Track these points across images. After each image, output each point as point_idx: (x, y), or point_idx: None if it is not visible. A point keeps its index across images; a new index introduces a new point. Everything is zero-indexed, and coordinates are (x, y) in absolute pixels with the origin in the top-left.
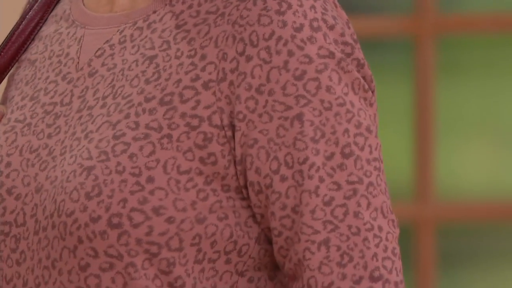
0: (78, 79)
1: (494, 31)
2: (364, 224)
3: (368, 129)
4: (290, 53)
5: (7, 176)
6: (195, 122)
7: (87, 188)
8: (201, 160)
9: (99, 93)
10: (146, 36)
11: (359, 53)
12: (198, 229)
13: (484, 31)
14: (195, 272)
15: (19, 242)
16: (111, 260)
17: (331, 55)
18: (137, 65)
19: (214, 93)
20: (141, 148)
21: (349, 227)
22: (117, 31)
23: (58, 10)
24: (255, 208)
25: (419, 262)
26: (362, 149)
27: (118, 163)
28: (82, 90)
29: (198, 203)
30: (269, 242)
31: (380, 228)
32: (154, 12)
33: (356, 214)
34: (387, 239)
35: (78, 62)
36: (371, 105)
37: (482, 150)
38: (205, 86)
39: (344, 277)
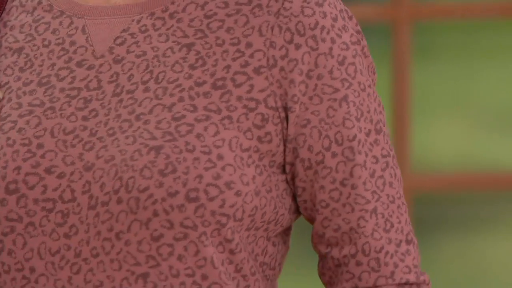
0: (101, 65)
1: (465, 18)
2: (396, 193)
3: (383, 107)
4: (333, 41)
5: (42, 156)
6: (252, 104)
7: (160, 166)
8: (259, 139)
9: (135, 78)
10: (172, 26)
11: (365, 41)
12: (255, 201)
13: (456, 18)
14: (243, 238)
15: (67, 217)
16: (186, 231)
17: (358, 42)
18: (173, 52)
19: (266, 78)
20: (205, 128)
21: (387, 196)
22: (133, 21)
23: None
24: (299, 182)
25: None
26: (384, 125)
27: (187, 143)
28: (112, 76)
29: (256, 178)
30: (296, 212)
31: (403, 196)
32: (173, 3)
33: (390, 184)
34: (406, 205)
35: (94, 50)
36: (375, 84)
37: (453, 127)
38: (257, 71)
39: (390, 241)
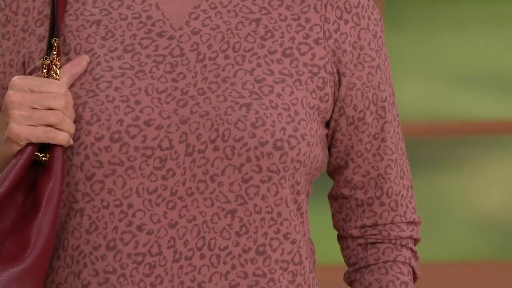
0: (181, 36)
1: None
2: (404, 146)
3: None
4: (369, 18)
5: (141, 111)
6: (315, 69)
7: (251, 120)
8: (320, 98)
9: (214, 47)
10: (238, 4)
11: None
12: (316, 151)
13: None
14: (303, 182)
15: (165, 161)
16: (271, 174)
17: (380, 18)
18: (244, 26)
19: (324, 48)
20: (283, 89)
21: (401, 149)
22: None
23: None
24: (340, 135)
25: None
26: (394, 88)
27: (271, 101)
28: (192, 45)
29: (317, 131)
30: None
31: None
32: None
33: (402, 139)
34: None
35: (172, 23)
36: None
37: (419, 83)
38: (316, 42)
39: (404, 186)
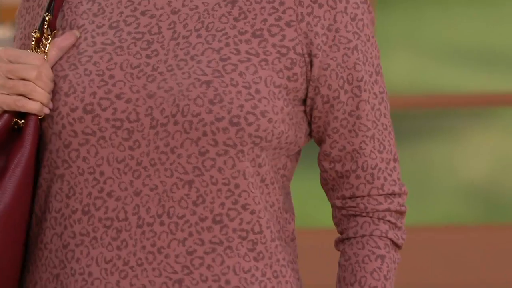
0: (161, 15)
1: None
2: (388, 121)
3: (379, 51)
4: (347, 1)
5: (113, 85)
6: (284, 50)
7: (210, 96)
8: (288, 78)
9: (189, 27)
10: None
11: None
12: (282, 127)
13: None
14: (270, 155)
15: (132, 133)
16: (226, 148)
17: (365, 1)
18: (220, 7)
19: (295, 30)
20: (246, 68)
21: (382, 124)
22: None
23: None
24: (317, 113)
25: None
26: (381, 67)
27: (232, 79)
28: (170, 24)
29: (284, 109)
30: (309, 135)
31: (391, 124)
32: None
33: (384, 115)
34: (393, 131)
35: (155, 3)
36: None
37: (406, 58)
38: (288, 24)
39: (382, 160)
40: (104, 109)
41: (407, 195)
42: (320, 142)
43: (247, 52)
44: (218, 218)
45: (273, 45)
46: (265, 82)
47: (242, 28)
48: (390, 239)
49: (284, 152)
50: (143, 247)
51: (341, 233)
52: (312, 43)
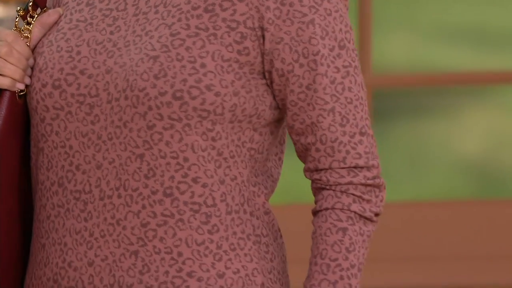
0: None
1: None
2: (354, 95)
3: (351, 27)
4: None
5: (79, 61)
6: (233, 24)
7: (155, 71)
8: (238, 52)
9: (150, 3)
10: None
11: None
12: (234, 100)
13: None
14: (228, 129)
15: (93, 108)
16: (172, 122)
17: None
18: None
19: (247, 4)
20: (194, 43)
21: (346, 98)
22: None
23: None
24: (276, 86)
25: None
26: (349, 42)
27: (178, 53)
28: (135, 0)
29: (235, 82)
30: (276, 108)
31: (362, 98)
32: None
33: (350, 89)
34: (365, 105)
35: None
36: (347, 9)
37: (406, 38)
38: None
39: (344, 133)
40: (70, 85)
41: (377, 168)
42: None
43: (196, 27)
44: (168, 191)
45: (223, 20)
46: (212, 57)
47: (195, 3)
48: (354, 212)
49: (247, 125)
50: (105, 219)
51: (315, 203)
52: (263, 17)
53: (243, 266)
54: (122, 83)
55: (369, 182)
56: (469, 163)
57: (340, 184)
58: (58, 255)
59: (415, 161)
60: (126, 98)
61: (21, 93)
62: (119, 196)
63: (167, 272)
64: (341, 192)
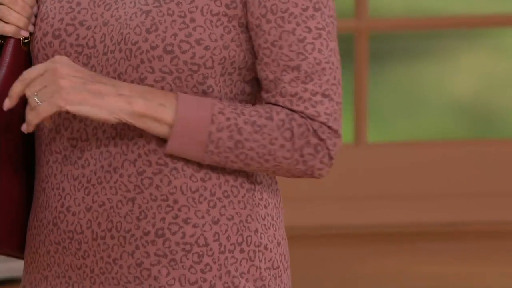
0: None
1: None
2: (324, 58)
3: None
4: None
5: (78, 12)
6: None
7: (147, 25)
8: (226, 5)
9: None
10: None
11: None
12: (224, 53)
13: None
14: (220, 82)
15: (90, 59)
16: (163, 75)
17: None
18: None
19: None
20: None
21: (314, 59)
22: None
23: None
24: (252, 40)
25: (357, 62)
26: (325, 6)
27: (169, 8)
28: None
29: (224, 36)
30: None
31: (333, 63)
32: None
33: (319, 51)
34: (336, 72)
35: None
36: None
37: None
38: None
39: (305, 90)
40: (69, 35)
41: (337, 135)
42: None
43: None
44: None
45: None
46: (201, 11)
47: None
48: (291, 128)
49: (237, 78)
50: (102, 167)
51: None
52: None
53: (237, 213)
54: (117, 36)
55: (324, 137)
56: (462, 105)
57: (296, 111)
58: (57, 199)
59: (409, 103)
60: (120, 51)
61: (26, 41)
62: (115, 145)
63: (163, 219)
64: (297, 112)
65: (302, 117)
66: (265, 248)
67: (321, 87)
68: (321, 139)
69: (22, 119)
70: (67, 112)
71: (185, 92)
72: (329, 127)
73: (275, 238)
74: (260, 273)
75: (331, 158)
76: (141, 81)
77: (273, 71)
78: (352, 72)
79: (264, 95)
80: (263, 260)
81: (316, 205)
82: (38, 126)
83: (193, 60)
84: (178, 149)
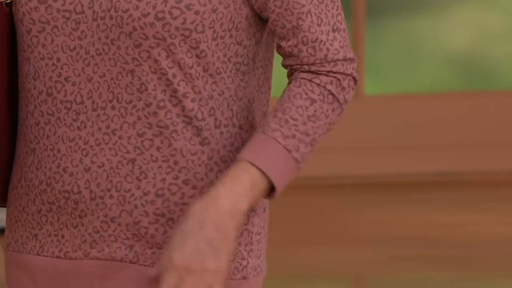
0: None
1: None
2: None
3: None
4: None
5: None
6: None
7: None
8: None
9: None
10: None
11: None
12: (213, 16)
13: None
14: (212, 46)
15: (79, 24)
16: (157, 41)
17: None
18: None
19: None
20: None
21: None
22: None
23: None
24: None
25: (355, 16)
26: None
27: None
28: None
29: None
30: (253, 17)
31: None
32: None
33: None
34: (337, 1)
35: None
36: None
37: None
38: None
39: (322, 32)
40: (55, 0)
41: (354, 61)
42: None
43: None
44: (162, 104)
45: None
46: None
47: None
48: (330, 91)
49: (230, 40)
50: (99, 129)
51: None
52: None
53: None
54: (106, 2)
55: (347, 72)
56: (456, 57)
57: (320, 71)
58: (51, 160)
59: (406, 56)
60: (111, 17)
61: (7, 1)
62: (113, 108)
63: (164, 180)
64: (319, 73)
65: (327, 74)
66: (256, 213)
67: (329, 24)
68: (346, 75)
69: (11, 81)
70: (59, 75)
71: (181, 58)
72: (347, 59)
73: (263, 204)
74: (251, 237)
75: (356, 81)
76: (136, 47)
77: (288, 20)
78: (349, 27)
79: (284, 43)
80: (255, 225)
81: (315, 156)
82: (24, 87)
83: (185, 26)
84: (284, 186)
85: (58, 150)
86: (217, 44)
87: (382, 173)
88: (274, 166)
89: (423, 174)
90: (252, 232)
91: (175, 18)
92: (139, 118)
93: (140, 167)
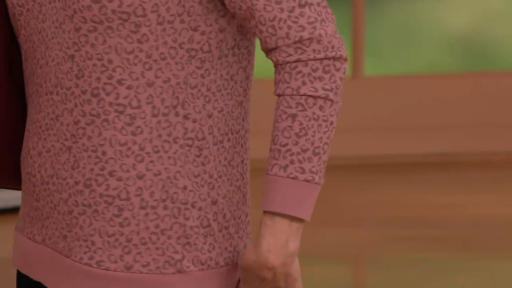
0: None
1: None
2: None
3: None
4: None
5: None
6: None
7: None
8: None
9: None
10: None
11: None
12: (155, 0)
13: None
14: (158, 31)
15: (42, 7)
16: (95, 25)
17: None
18: None
19: None
20: None
21: None
22: None
23: None
24: None
25: None
26: None
27: None
28: None
29: None
30: (210, 2)
31: None
32: None
33: None
34: None
35: None
36: None
37: None
38: None
39: (282, 10)
40: None
41: (326, 36)
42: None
43: None
44: (95, 92)
45: None
46: None
47: None
48: (305, 95)
49: (181, 26)
50: (48, 114)
51: None
52: None
53: (165, 169)
54: None
55: (320, 56)
56: (456, 38)
57: (289, 62)
58: (25, 139)
59: (406, 37)
60: (59, 0)
61: None
62: (57, 94)
63: (92, 170)
64: (290, 72)
65: (305, 61)
66: (193, 206)
67: (295, 1)
68: (319, 59)
69: (14, 52)
70: (34, 58)
71: (119, 43)
72: (316, 35)
73: (209, 197)
74: (185, 230)
75: (342, 58)
76: (77, 31)
77: (243, 0)
78: (350, 8)
79: (247, 25)
80: (190, 218)
81: None
82: (24, 68)
83: (121, 9)
84: (309, 209)
85: (28, 131)
86: (163, 29)
87: (382, 153)
88: (285, 202)
89: (423, 155)
90: (186, 226)
91: (111, 1)
92: (75, 105)
93: (75, 156)
